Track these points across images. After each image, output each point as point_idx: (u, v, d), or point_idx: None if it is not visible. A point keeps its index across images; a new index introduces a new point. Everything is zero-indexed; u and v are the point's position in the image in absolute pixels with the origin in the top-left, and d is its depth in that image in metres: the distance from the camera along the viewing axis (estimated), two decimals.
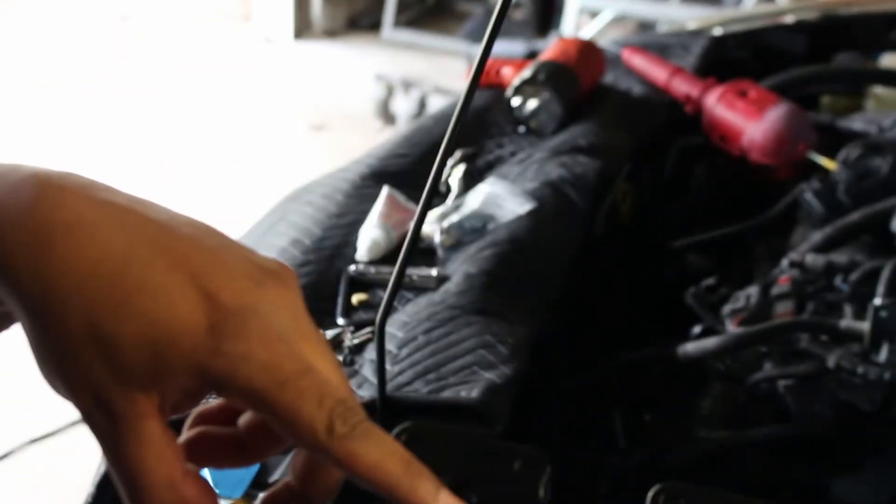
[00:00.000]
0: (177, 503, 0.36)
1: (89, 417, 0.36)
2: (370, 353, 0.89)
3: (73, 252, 0.34)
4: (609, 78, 1.54)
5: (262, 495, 0.42)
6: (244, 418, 0.42)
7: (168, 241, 0.36)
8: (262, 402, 0.36)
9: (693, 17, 2.01)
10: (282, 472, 0.75)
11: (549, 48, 1.47)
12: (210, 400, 0.42)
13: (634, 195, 1.39)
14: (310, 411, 0.36)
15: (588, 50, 1.45)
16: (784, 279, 1.06)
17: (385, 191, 1.14)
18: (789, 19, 1.85)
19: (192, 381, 0.36)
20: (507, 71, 1.47)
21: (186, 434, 0.42)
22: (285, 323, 0.37)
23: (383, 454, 0.37)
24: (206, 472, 0.70)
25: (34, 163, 0.37)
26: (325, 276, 1.01)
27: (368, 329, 0.93)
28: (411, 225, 0.76)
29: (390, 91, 4.01)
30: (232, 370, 0.36)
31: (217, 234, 0.38)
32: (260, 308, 0.37)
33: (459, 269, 1.01)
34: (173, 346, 0.35)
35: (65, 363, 0.35)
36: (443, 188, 1.21)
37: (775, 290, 1.05)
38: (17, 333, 0.40)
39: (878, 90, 1.62)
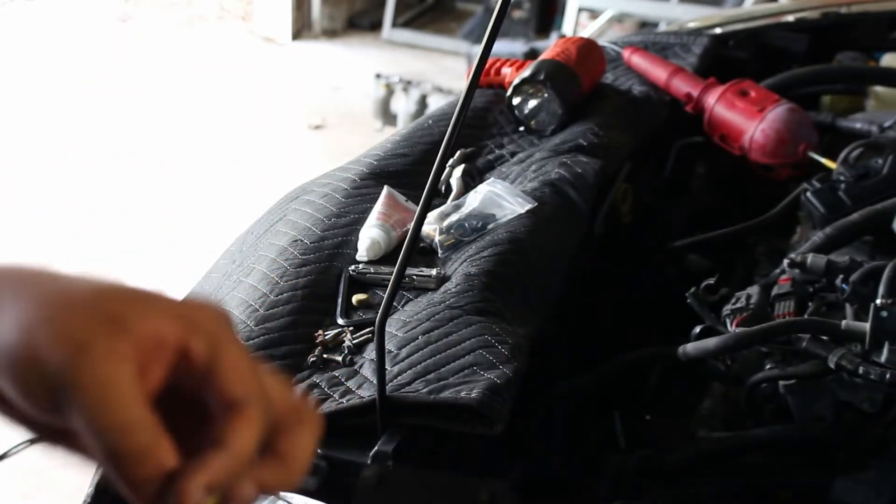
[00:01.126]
0: (149, 430, 0.38)
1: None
2: (370, 352, 0.89)
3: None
4: (609, 77, 1.54)
5: None
6: None
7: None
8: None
9: (693, 17, 2.01)
10: None
11: (550, 47, 1.47)
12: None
13: (634, 195, 1.39)
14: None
15: (589, 49, 1.45)
16: (784, 279, 1.06)
17: (385, 191, 1.14)
18: (790, 19, 1.85)
19: None
20: (507, 70, 1.47)
21: None
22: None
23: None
24: None
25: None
26: (324, 276, 1.01)
27: (368, 329, 0.93)
28: (411, 225, 0.76)
29: (390, 91, 4.01)
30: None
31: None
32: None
33: (459, 269, 1.01)
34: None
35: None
36: (443, 188, 1.21)
37: (776, 291, 1.05)
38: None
39: (879, 90, 1.62)
